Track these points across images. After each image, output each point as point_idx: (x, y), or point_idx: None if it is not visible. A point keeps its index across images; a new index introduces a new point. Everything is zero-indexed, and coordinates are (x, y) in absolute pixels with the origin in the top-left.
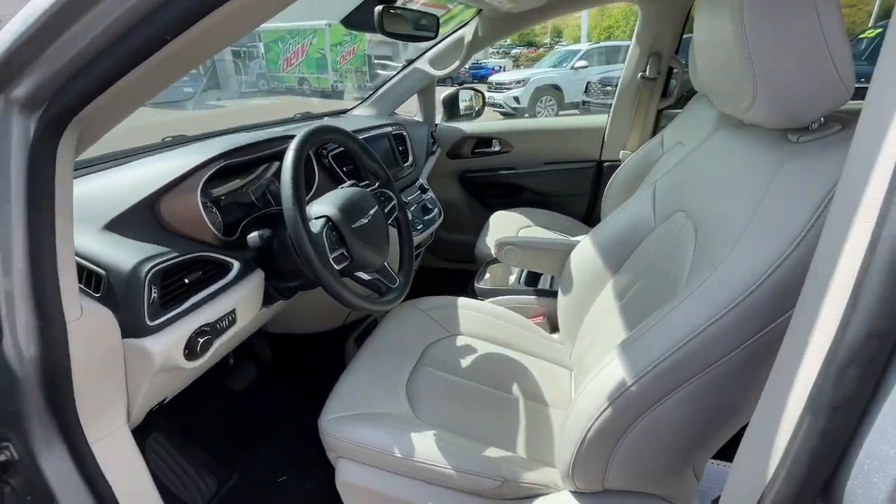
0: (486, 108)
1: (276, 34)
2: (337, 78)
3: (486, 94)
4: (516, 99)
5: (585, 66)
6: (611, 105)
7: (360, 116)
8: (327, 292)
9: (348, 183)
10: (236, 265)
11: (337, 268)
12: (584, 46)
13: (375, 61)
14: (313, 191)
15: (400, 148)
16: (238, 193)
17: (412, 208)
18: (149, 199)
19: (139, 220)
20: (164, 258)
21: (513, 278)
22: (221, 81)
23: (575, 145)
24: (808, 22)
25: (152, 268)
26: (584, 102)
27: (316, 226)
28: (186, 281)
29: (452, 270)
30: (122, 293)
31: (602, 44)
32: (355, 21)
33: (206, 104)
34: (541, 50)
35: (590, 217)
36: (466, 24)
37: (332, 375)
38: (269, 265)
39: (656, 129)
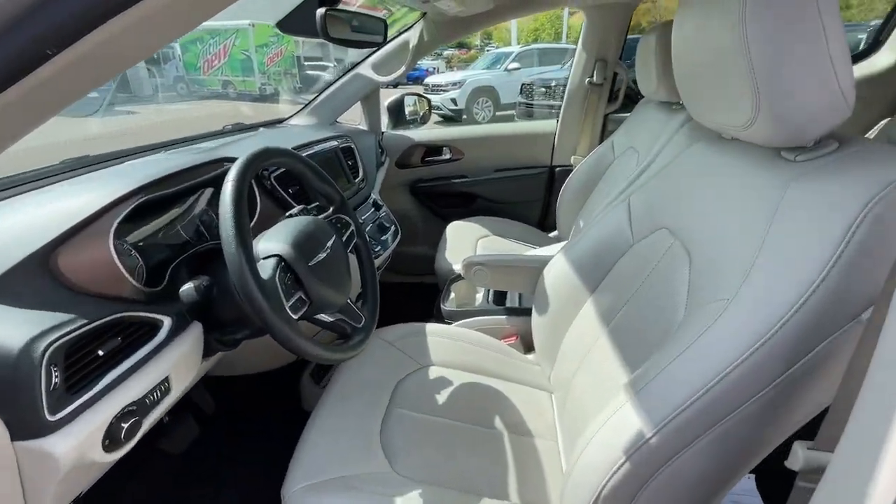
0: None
1: (194, 34)
2: (265, 80)
3: (419, 92)
4: (454, 101)
5: (518, 68)
6: (547, 106)
7: (299, 127)
8: (286, 348)
9: (297, 208)
10: (167, 322)
11: (295, 316)
12: (515, 49)
13: (306, 63)
14: (255, 219)
15: (349, 162)
16: (164, 231)
17: (368, 228)
18: (42, 252)
19: (29, 280)
20: (68, 329)
21: (479, 296)
22: (133, 86)
23: (526, 151)
24: (813, 35)
25: (51, 343)
26: (519, 103)
27: (266, 268)
28: (101, 353)
29: (411, 285)
30: (9, 383)
31: (532, 46)
32: (292, 25)
33: (116, 111)
34: (472, 51)
35: (544, 222)
36: (410, 27)
37: (289, 422)
38: (209, 314)
39: (604, 133)
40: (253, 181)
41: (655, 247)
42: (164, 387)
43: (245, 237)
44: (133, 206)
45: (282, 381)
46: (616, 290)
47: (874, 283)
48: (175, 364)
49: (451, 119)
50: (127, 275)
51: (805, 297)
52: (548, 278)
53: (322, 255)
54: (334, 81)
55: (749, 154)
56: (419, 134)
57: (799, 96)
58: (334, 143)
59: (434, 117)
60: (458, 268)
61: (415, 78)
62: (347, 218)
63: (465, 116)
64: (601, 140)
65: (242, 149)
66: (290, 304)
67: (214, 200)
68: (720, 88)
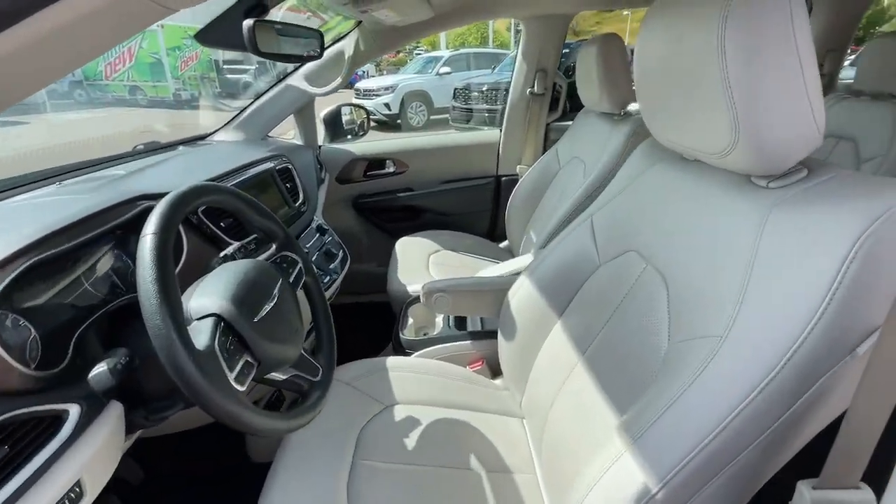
0: None
1: None
2: (180, 86)
3: (356, 102)
4: (387, 105)
5: (449, 73)
6: (481, 110)
7: (227, 145)
8: (234, 428)
9: (232, 247)
10: (73, 411)
11: (242, 388)
12: (445, 53)
13: (225, 66)
14: (182, 263)
15: (287, 185)
16: (64, 292)
17: (314, 257)
18: None
19: None
20: None
21: (440, 320)
22: None
23: (471, 162)
24: (791, 66)
25: None
26: (453, 107)
27: (202, 332)
28: None
29: (362, 305)
30: None
31: (462, 51)
32: (214, 37)
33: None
34: (401, 55)
35: (493, 233)
36: (345, 36)
37: (238, 480)
38: (131, 391)
39: (547, 141)
40: None
41: (626, 270)
42: (75, 492)
43: (172, 303)
44: (19, 269)
45: (224, 431)
46: (588, 313)
47: (869, 318)
48: (88, 462)
49: (385, 124)
50: (12, 360)
51: (802, 339)
52: (513, 301)
53: (269, 307)
54: (263, 93)
55: (716, 178)
56: (360, 147)
57: (777, 126)
58: (269, 164)
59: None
60: (412, 289)
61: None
62: (293, 255)
63: (399, 120)
64: (545, 149)
65: (161, 178)
66: (235, 373)
67: (129, 242)
68: (694, 115)
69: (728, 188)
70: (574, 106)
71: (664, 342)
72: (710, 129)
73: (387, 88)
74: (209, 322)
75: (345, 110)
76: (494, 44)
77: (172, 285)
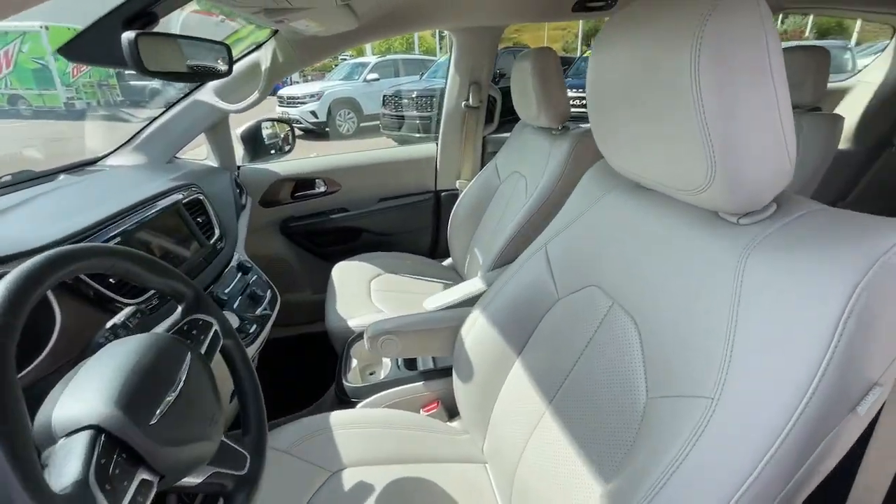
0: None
1: None
2: (72, 94)
3: (280, 110)
4: (313, 113)
5: (377, 79)
6: (412, 117)
7: (123, 171)
8: None
9: (123, 315)
10: None
11: None
12: (372, 59)
13: (127, 72)
14: (53, 340)
15: (199, 219)
16: None
17: (236, 303)
18: None
19: None
20: None
21: (387, 359)
22: None
23: (408, 177)
24: (765, 91)
25: None
26: (383, 115)
27: (70, 461)
28: None
29: (298, 338)
30: None
31: (389, 57)
32: (84, 51)
33: None
34: (326, 61)
35: (435, 251)
36: (260, 46)
37: None
38: None
39: (484, 154)
40: None
41: (589, 307)
42: None
43: (13, 424)
44: None
45: None
46: (550, 351)
47: (869, 373)
48: None
49: (312, 132)
50: None
51: (805, 400)
52: (467, 339)
53: (171, 399)
54: (168, 109)
55: (679, 209)
56: (285, 166)
57: (755, 161)
58: (176, 196)
59: (295, 131)
60: (354, 324)
61: None
62: (206, 317)
63: (327, 129)
64: (483, 162)
65: (25, 226)
66: (128, 501)
67: None
68: (661, 148)
69: (693, 223)
70: (504, 111)
71: (641, 395)
72: (682, 165)
73: (312, 96)
74: (83, 439)
75: (265, 125)
76: (420, 50)
77: (12, 399)
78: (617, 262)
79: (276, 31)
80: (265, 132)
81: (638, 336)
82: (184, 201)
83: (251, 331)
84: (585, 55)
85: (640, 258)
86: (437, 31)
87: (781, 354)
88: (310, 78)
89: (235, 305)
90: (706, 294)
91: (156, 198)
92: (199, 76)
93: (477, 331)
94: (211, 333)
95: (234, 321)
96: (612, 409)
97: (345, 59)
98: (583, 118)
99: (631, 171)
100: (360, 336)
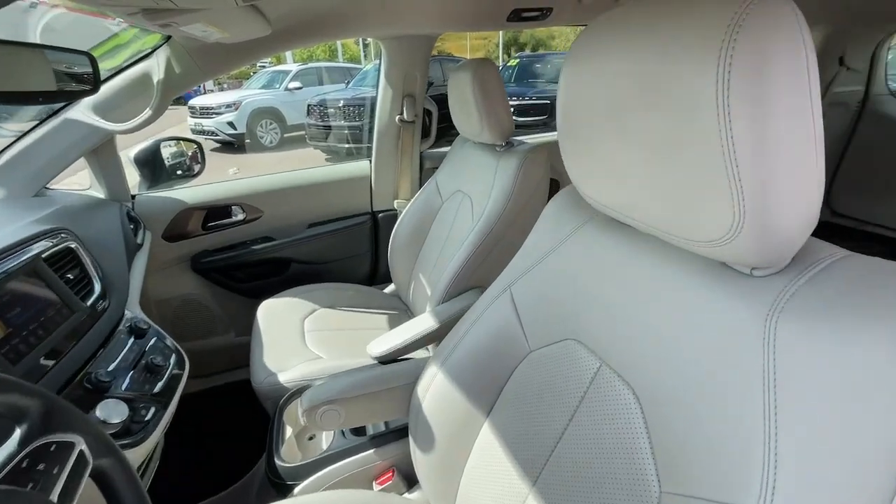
0: (198, 136)
1: None
2: None
3: (192, 121)
4: (231, 124)
5: (300, 87)
6: (340, 126)
7: None
8: None
9: None
10: None
11: None
12: (293, 67)
13: None
14: None
15: (71, 274)
16: None
17: (125, 382)
18: None
19: None
20: None
21: None
22: None
23: (341, 199)
24: (804, 119)
25: None
26: (309, 125)
27: None
28: None
29: (219, 389)
30: None
31: (311, 65)
32: None
33: None
34: (242, 68)
35: (375, 277)
36: (149, 54)
37: None
38: None
39: (422, 171)
40: None
41: (570, 364)
42: None
43: None
44: None
45: None
46: (525, 413)
47: None
48: None
49: (231, 144)
50: None
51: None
52: (425, 400)
53: None
54: (35, 127)
55: (672, 252)
56: (195, 193)
57: (788, 207)
58: (33, 249)
59: (211, 143)
60: (287, 379)
61: (177, 98)
62: (63, 437)
63: (248, 141)
64: (421, 179)
65: None
66: None
67: None
68: (667, 190)
69: (694, 271)
70: (440, 117)
71: (653, 487)
72: (694, 211)
73: (229, 106)
74: None
75: (166, 144)
76: (345, 57)
77: None
78: (599, 314)
79: (168, 38)
80: (167, 152)
81: (640, 412)
82: (45, 255)
83: (147, 417)
84: (509, 64)
85: (629, 312)
86: (360, 39)
87: (846, 449)
88: (226, 86)
89: (124, 386)
90: (725, 370)
91: (5, 253)
92: (50, 98)
93: (436, 389)
94: (71, 461)
95: (122, 412)
96: (615, 497)
97: (264, 67)
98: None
99: (617, 211)
100: (295, 394)
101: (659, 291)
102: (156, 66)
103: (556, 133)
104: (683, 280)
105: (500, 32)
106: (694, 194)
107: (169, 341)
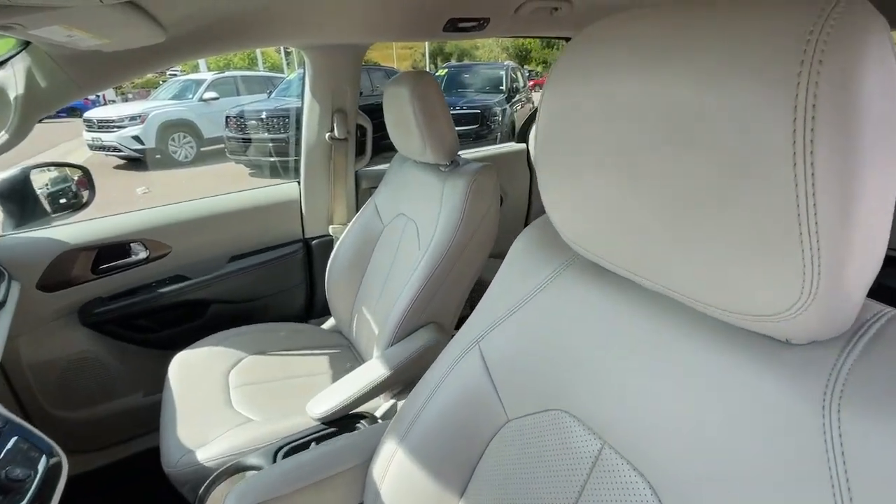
0: (97, 153)
1: None
2: None
3: (89, 136)
4: (137, 139)
5: (216, 98)
6: (263, 140)
7: None
8: None
9: None
10: None
11: None
12: (208, 76)
13: None
14: None
15: None
16: None
17: None
18: None
19: None
20: None
21: None
22: None
23: (267, 226)
24: (892, 164)
25: None
26: (228, 138)
27: None
28: None
29: (119, 464)
30: None
31: (228, 74)
32: None
33: None
34: (149, 76)
35: (311, 312)
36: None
37: None
38: None
39: (358, 192)
40: None
41: (561, 441)
42: None
43: None
44: None
45: None
46: (509, 494)
47: None
48: None
49: (139, 161)
50: None
51: None
52: (383, 485)
53: None
54: None
55: (676, 306)
56: (79, 230)
57: (861, 266)
58: None
59: (114, 160)
60: (206, 457)
61: (70, 109)
62: None
63: (158, 156)
64: (358, 201)
65: None
66: None
67: None
68: (705, 250)
69: (715, 339)
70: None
71: None
72: (742, 279)
73: (133, 118)
74: None
75: (38, 172)
76: (265, 66)
77: None
78: (590, 382)
79: (27, 43)
80: (41, 180)
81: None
82: None
83: None
84: (438, 74)
85: (628, 382)
86: (283, 47)
87: None
88: (130, 97)
89: None
90: (776, 469)
91: None
92: None
93: (396, 471)
94: None
95: None
96: None
97: (174, 76)
98: None
99: (616, 265)
100: (220, 477)
101: (666, 357)
102: (12, 79)
103: (498, 147)
104: (698, 342)
105: (426, 42)
106: (740, 257)
107: (35, 437)
